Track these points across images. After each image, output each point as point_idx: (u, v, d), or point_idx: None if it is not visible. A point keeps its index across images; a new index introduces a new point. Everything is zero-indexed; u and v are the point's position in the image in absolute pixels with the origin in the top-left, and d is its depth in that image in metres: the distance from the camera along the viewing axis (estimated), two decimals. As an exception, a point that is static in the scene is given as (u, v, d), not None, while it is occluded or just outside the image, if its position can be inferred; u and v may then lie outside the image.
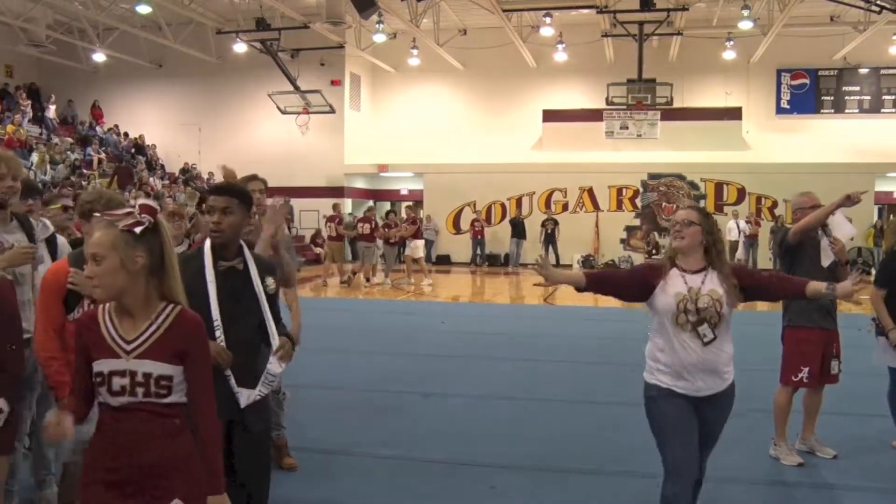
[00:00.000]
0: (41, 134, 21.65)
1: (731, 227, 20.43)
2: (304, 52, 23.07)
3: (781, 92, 23.92)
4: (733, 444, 5.34)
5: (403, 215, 18.47)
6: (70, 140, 22.15)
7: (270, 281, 3.25)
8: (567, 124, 23.15)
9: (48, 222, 4.11)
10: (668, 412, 3.33)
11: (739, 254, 20.21)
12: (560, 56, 23.15)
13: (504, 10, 19.59)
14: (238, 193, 3.22)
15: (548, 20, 20.68)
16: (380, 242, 17.09)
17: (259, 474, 3.18)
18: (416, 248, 17.50)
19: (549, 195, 23.25)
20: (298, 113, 22.41)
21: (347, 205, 23.04)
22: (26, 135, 20.15)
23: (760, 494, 4.53)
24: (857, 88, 23.68)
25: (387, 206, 24.99)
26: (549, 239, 22.16)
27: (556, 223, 22.32)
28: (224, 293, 3.08)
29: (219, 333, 3.03)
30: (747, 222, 20.86)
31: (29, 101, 22.52)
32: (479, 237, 22.69)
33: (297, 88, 22.42)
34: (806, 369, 4.90)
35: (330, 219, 17.67)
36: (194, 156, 24.59)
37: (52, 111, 23.49)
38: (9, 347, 2.93)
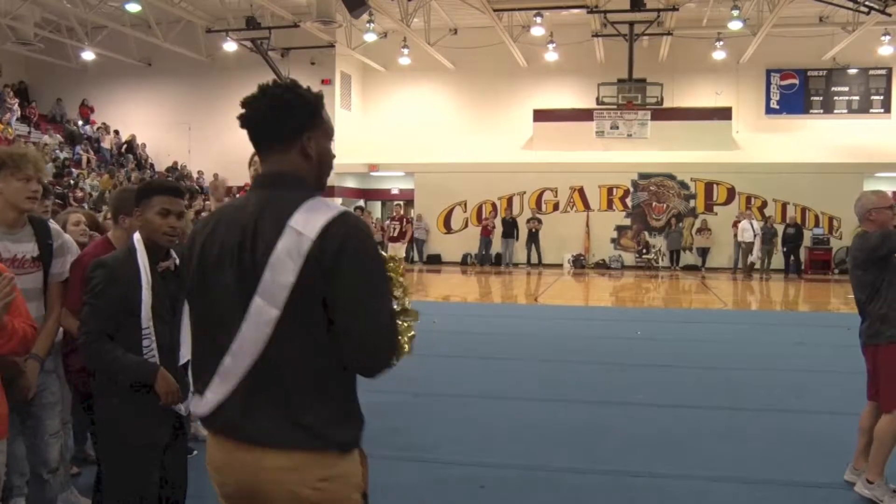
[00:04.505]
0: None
1: (746, 228, 20.14)
2: (295, 50, 23.03)
3: (771, 92, 24.03)
4: (722, 442, 5.36)
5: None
6: (59, 138, 22.03)
7: None
8: (558, 124, 23.16)
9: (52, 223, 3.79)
10: None
11: (754, 256, 19.98)
12: (551, 56, 23.20)
13: (495, 10, 19.59)
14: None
15: (538, 20, 20.68)
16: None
17: (185, 481, 3.09)
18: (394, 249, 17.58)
19: (540, 195, 23.26)
20: (289, 112, 22.31)
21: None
22: (14, 134, 20.03)
23: (751, 493, 4.53)
24: (846, 89, 23.82)
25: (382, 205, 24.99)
26: (532, 238, 22.18)
27: (539, 222, 22.33)
28: (163, 298, 2.89)
29: (147, 343, 2.83)
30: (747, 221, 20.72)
31: (17, 100, 22.39)
32: (489, 237, 22.70)
33: (287, 87, 22.34)
34: None
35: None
36: (184, 155, 24.49)
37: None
38: None
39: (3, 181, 3.25)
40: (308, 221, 1.82)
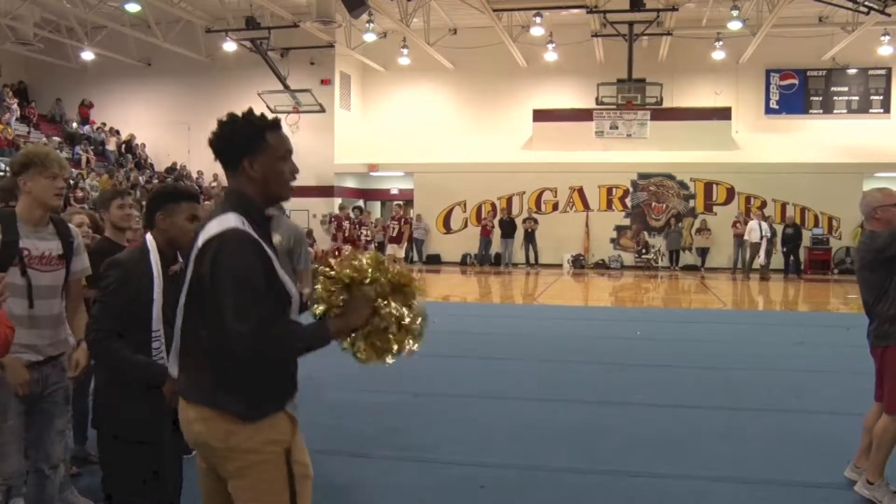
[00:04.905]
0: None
1: (754, 228, 19.84)
2: (294, 50, 23.03)
3: (770, 92, 24.04)
4: (722, 442, 5.36)
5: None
6: (58, 139, 22.01)
7: None
8: (557, 124, 23.17)
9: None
10: None
11: (762, 259, 19.79)
12: (550, 56, 23.20)
13: (494, 10, 19.58)
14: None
15: (538, 20, 20.68)
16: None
17: (181, 479, 3.12)
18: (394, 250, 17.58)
19: (540, 195, 23.27)
20: (288, 112, 22.34)
21: (335, 205, 22.97)
22: (13, 134, 20.03)
23: (751, 493, 4.52)
24: (846, 89, 23.83)
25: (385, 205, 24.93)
26: (529, 238, 22.18)
27: (535, 222, 22.32)
28: (172, 301, 2.82)
29: (157, 345, 2.88)
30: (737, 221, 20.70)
31: (16, 100, 22.38)
32: (488, 237, 22.70)
33: (286, 87, 22.37)
34: None
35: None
36: (184, 155, 24.48)
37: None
38: None
39: (31, 180, 3.32)
40: (205, 232, 2.20)
